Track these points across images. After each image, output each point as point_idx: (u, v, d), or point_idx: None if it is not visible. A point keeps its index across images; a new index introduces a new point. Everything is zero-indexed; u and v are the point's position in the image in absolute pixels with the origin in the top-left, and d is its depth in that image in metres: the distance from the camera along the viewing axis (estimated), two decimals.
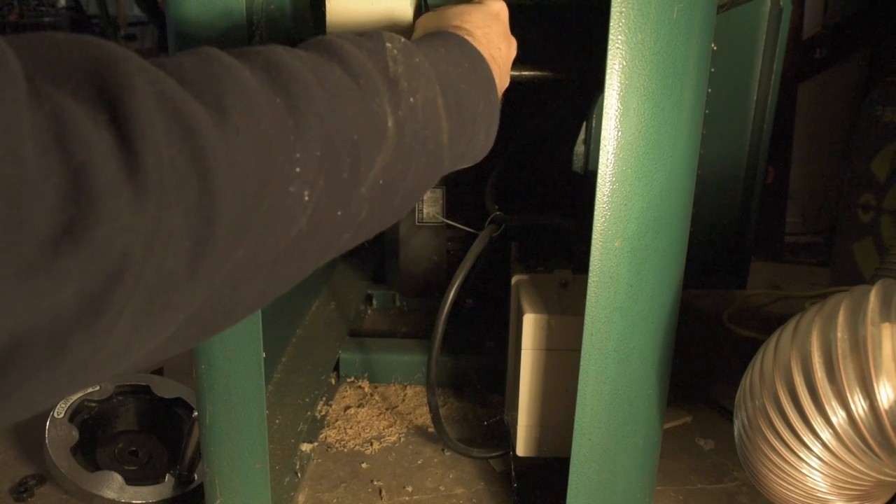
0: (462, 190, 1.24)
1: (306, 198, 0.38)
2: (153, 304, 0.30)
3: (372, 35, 0.48)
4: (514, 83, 0.82)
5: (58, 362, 0.27)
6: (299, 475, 0.97)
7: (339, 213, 0.41)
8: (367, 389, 1.22)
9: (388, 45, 0.47)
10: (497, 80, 0.60)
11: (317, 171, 0.38)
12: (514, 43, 0.68)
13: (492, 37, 0.62)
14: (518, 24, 0.69)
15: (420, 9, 0.74)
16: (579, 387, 0.73)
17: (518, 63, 0.82)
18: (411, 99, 0.46)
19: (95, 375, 0.30)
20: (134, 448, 1.02)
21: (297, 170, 0.37)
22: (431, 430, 1.09)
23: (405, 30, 0.70)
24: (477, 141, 0.56)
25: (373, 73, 0.44)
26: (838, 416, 0.61)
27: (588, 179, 1.23)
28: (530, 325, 0.87)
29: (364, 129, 0.42)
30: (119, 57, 0.30)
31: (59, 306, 0.26)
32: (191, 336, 0.35)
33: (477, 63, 0.56)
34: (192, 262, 0.31)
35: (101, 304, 0.28)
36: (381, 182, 0.44)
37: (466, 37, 0.59)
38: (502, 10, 0.67)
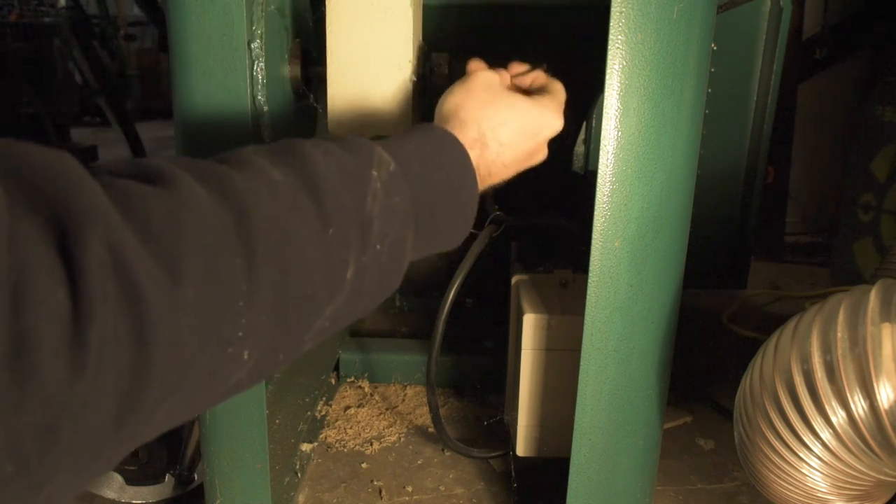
0: None
1: (245, 357, 0.37)
2: (78, 459, 0.31)
3: (362, 152, 0.46)
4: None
5: None
6: (299, 475, 0.97)
7: (280, 356, 0.41)
8: (367, 389, 1.22)
9: (375, 173, 0.45)
10: (484, 184, 0.59)
11: (261, 333, 0.38)
12: (539, 156, 0.65)
13: (506, 159, 0.60)
14: (518, 24, 0.69)
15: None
16: (579, 387, 0.73)
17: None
18: (378, 246, 0.45)
19: None
20: (134, 448, 1.02)
21: (240, 334, 0.36)
22: (431, 430, 1.09)
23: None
24: (443, 248, 0.55)
25: (346, 217, 0.43)
26: (838, 416, 0.61)
27: (588, 179, 1.23)
28: (530, 325, 0.87)
29: (321, 283, 0.41)
30: (83, 206, 0.30)
31: None
32: None
33: (466, 187, 0.54)
34: (118, 419, 0.32)
35: (29, 467, 0.28)
36: (326, 325, 0.44)
37: (478, 151, 0.57)
38: (545, 127, 0.63)
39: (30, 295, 0.27)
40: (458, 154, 0.54)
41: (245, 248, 0.37)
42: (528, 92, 0.66)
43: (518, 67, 0.70)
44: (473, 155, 0.56)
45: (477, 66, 0.66)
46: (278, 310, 0.38)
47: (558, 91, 0.67)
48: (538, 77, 0.69)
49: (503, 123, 0.59)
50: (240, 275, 0.36)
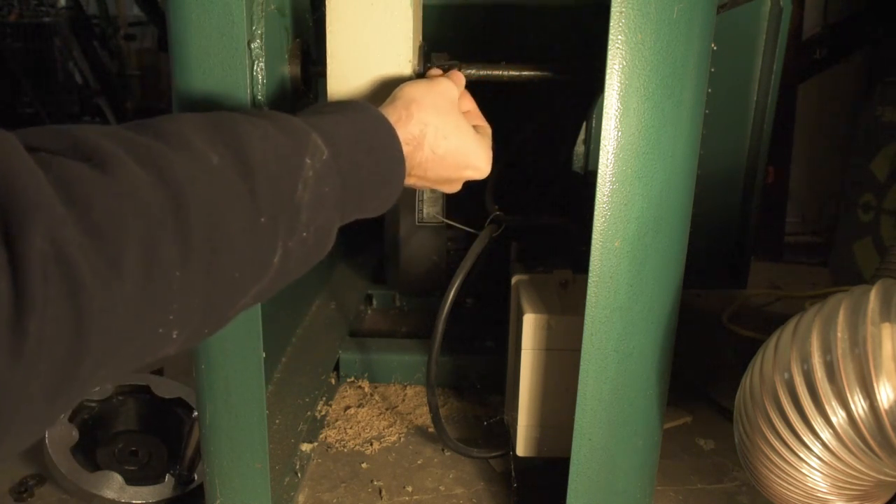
0: (462, 190, 1.24)
1: (174, 336, 0.39)
2: (16, 434, 0.33)
3: (298, 138, 0.47)
4: (515, 83, 0.82)
5: None
6: (299, 475, 0.97)
7: (205, 331, 0.43)
8: (367, 389, 1.22)
9: (308, 161, 0.47)
10: (418, 179, 0.61)
11: (190, 315, 0.40)
12: (452, 188, 0.68)
13: (429, 170, 0.61)
14: (518, 24, 0.69)
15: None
16: (579, 387, 0.73)
17: (518, 63, 0.83)
18: (305, 233, 0.46)
19: None
20: (134, 448, 1.02)
21: (171, 317, 0.38)
22: (431, 430, 1.09)
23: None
24: (358, 220, 0.56)
25: (278, 205, 0.44)
26: (838, 416, 0.61)
27: (588, 179, 1.23)
28: (530, 325, 0.87)
29: (249, 267, 0.43)
30: (26, 196, 0.31)
31: None
32: None
33: (394, 174, 0.56)
34: (52, 396, 0.33)
35: None
36: (250, 302, 0.46)
37: (411, 149, 0.58)
38: (474, 167, 0.66)
39: None
40: (391, 146, 0.56)
41: (181, 236, 0.38)
42: None
43: (467, 95, 0.72)
44: (406, 150, 0.57)
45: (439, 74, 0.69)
46: (207, 293, 0.40)
47: (489, 135, 0.69)
48: (473, 113, 0.71)
49: (446, 137, 0.61)
50: (175, 262, 0.37)
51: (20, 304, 0.30)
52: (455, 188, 0.68)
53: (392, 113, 0.59)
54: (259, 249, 0.43)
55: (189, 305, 0.39)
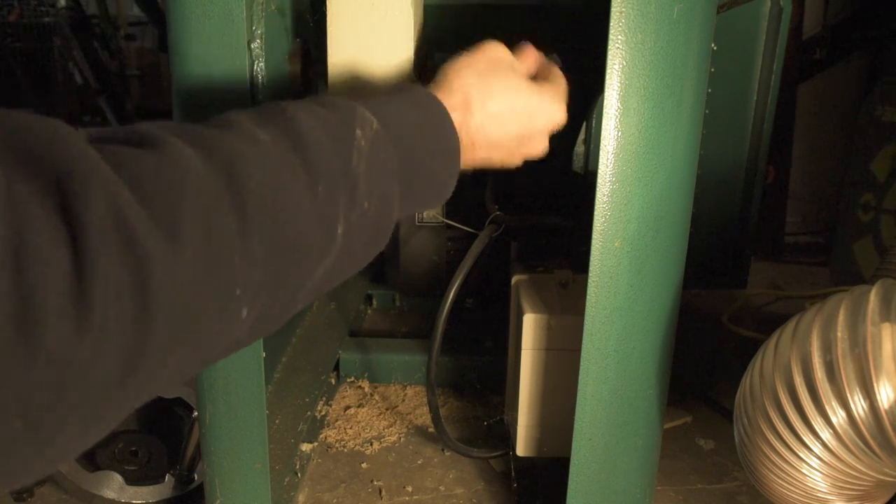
0: (462, 190, 1.24)
1: (244, 315, 0.38)
2: (84, 417, 0.31)
3: (345, 111, 0.47)
4: None
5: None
6: (299, 475, 0.97)
7: (276, 312, 0.42)
8: (367, 389, 1.22)
9: (358, 132, 0.46)
10: (468, 154, 0.59)
11: (257, 291, 0.38)
12: (536, 145, 0.64)
13: (492, 133, 0.59)
14: (518, 25, 0.69)
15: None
16: (579, 387, 0.73)
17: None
18: (366, 204, 0.45)
19: (36, 475, 0.32)
20: (134, 448, 1.02)
21: (238, 292, 0.37)
22: (431, 430, 1.09)
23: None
24: (428, 205, 0.56)
25: (334, 174, 0.43)
26: (838, 416, 0.61)
27: (588, 179, 1.23)
28: (530, 325, 0.87)
29: (312, 241, 0.42)
30: (82, 167, 0.31)
31: None
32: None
33: (448, 146, 0.55)
34: (123, 377, 0.32)
35: (37, 423, 0.29)
36: (319, 284, 0.44)
37: (460, 115, 0.57)
38: (542, 114, 0.62)
39: (32, 254, 0.27)
40: (439, 114, 0.55)
41: (236, 204, 0.37)
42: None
43: (531, 54, 0.68)
44: (456, 117, 0.56)
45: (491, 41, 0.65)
46: (272, 266, 0.39)
47: (558, 79, 0.66)
48: (543, 68, 0.68)
49: (492, 95, 0.59)
50: (234, 230, 0.37)
51: (82, 271, 0.29)
52: (541, 144, 0.64)
53: (434, 90, 0.58)
54: (320, 220, 0.42)
55: (254, 278, 0.38)
